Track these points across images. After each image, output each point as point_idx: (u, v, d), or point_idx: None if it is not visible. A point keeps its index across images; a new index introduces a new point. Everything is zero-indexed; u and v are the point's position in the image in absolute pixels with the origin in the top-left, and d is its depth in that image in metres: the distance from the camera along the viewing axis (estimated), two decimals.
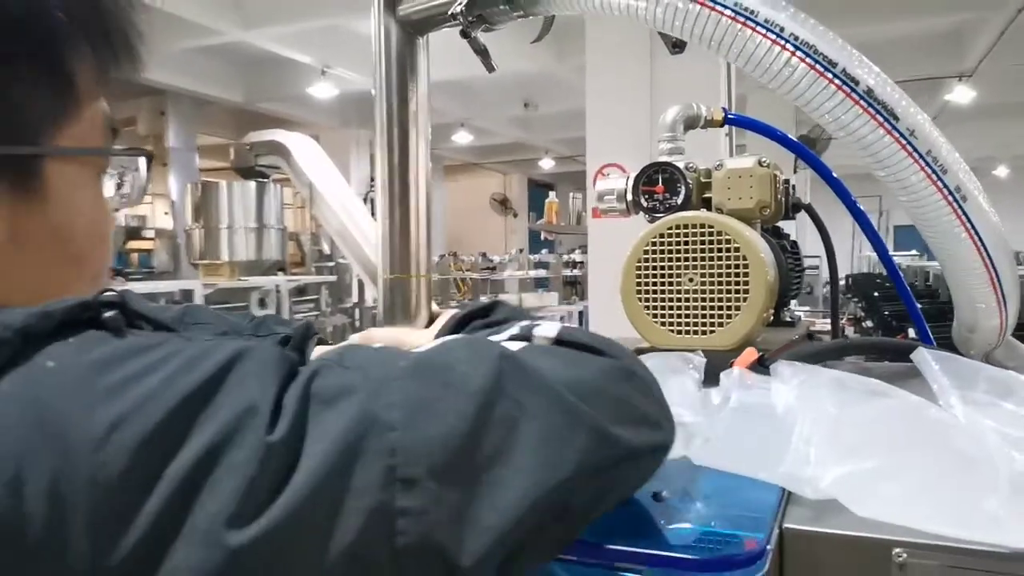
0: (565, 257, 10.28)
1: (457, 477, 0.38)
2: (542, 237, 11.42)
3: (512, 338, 0.50)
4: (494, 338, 0.50)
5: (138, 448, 0.33)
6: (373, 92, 0.93)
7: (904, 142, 0.86)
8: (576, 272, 9.92)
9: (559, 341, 0.49)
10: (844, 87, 0.85)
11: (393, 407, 0.38)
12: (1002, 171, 14.64)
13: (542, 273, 10.39)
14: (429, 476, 0.37)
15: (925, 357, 0.60)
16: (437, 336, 0.62)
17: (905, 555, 0.49)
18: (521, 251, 11.84)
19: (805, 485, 0.54)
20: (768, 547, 0.47)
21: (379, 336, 0.72)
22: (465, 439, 0.38)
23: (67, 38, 0.48)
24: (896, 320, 3.73)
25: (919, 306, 1.31)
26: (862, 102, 0.86)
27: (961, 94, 8.39)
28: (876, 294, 4.91)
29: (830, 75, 0.85)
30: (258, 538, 0.33)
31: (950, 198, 0.87)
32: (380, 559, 0.36)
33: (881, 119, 0.86)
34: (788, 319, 1.41)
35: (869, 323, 6.82)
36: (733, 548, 0.46)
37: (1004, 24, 6.57)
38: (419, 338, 0.66)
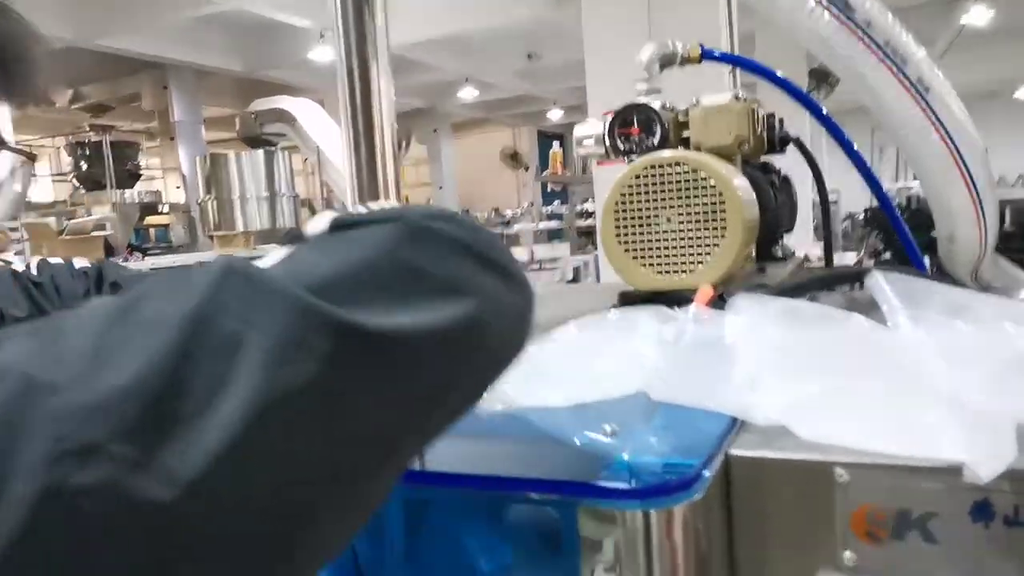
0: (579, 207, 10.22)
1: (160, 425, 0.30)
2: (548, 188, 11.37)
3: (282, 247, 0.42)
4: (257, 261, 0.39)
5: None
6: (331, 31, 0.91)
7: (860, 33, 0.85)
8: (591, 222, 9.88)
9: (335, 227, 0.41)
10: None
11: (60, 364, 0.31)
12: (1023, 93, 14.24)
13: (554, 224, 10.37)
14: (116, 436, 0.29)
15: (878, 280, 0.60)
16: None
17: (846, 475, 0.49)
18: (532, 204, 11.80)
19: (754, 411, 0.55)
20: (704, 472, 0.48)
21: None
22: (164, 379, 0.31)
23: None
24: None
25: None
26: None
27: (978, 15, 8.12)
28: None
29: None
30: None
31: (912, 90, 0.86)
32: (65, 547, 0.29)
33: (836, 11, 0.85)
34: (780, 254, 1.40)
35: (888, 255, 6.75)
36: (669, 475, 0.47)
37: None
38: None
